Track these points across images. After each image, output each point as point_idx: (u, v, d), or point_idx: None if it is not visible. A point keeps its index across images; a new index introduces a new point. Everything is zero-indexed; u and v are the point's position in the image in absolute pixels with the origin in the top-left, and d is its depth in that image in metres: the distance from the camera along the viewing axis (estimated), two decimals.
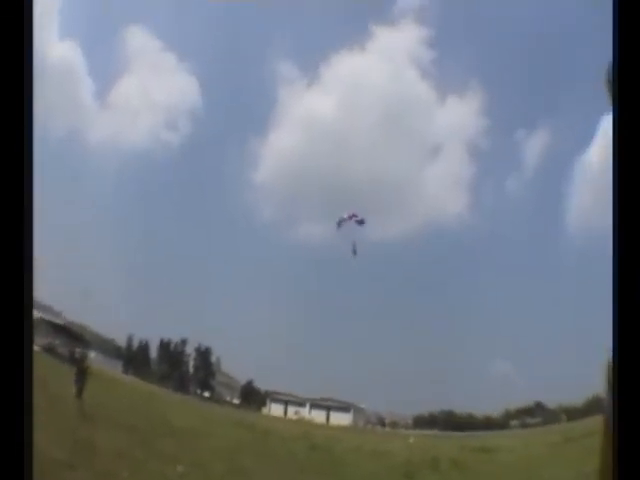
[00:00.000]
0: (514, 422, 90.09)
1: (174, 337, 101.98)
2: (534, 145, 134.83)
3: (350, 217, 28.37)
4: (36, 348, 37.88)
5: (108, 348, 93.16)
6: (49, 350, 36.08)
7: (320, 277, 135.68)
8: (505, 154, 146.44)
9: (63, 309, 77.31)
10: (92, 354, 61.36)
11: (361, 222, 28.91)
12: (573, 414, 74.32)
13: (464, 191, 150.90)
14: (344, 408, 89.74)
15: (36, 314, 52.53)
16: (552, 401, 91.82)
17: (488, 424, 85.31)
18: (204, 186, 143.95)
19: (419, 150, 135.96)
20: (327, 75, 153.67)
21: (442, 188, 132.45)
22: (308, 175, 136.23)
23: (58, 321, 60.13)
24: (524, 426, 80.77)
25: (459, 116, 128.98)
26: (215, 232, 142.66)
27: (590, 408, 65.45)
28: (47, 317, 56.40)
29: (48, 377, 18.52)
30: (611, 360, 0.99)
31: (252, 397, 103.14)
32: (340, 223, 28.44)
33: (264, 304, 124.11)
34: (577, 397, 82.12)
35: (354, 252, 29.13)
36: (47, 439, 9.82)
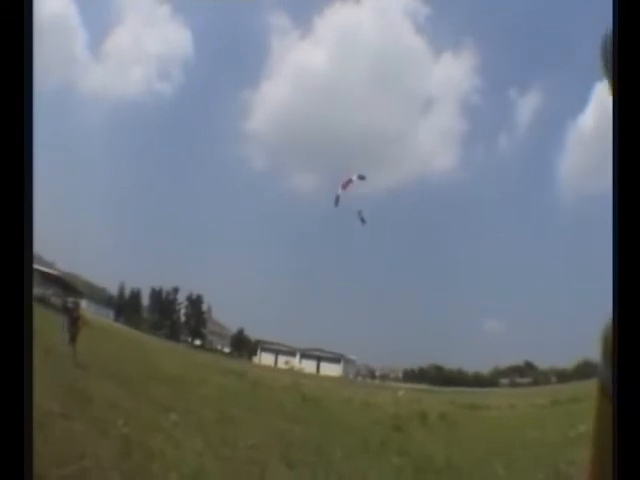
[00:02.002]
0: (504, 380, 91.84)
1: (166, 285, 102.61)
2: (527, 105, 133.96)
3: (345, 185, 27.40)
4: None
5: (100, 297, 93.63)
6: (42, 301, 36.22)
7: (311, 227, 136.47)
8: (498, 112, 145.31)
9: (55, 259, 77.41)
10: (84, 303, 61.85)
11: (362, 177, 28.17)
12: (563, 377, 75.97)
13: (455, 147, 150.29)
14: (334, 359, 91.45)
15: None
16: (542, 362, 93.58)
17: (478, 381, 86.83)
18: (196, 136, 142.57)
19: (411, 105, 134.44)
20: (320, 27, 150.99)
21: (434, 143, 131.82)
22: (300, 126, 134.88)
23: (51, 271, 60.15)
24: (514, 385, 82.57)
25: (452, 73, 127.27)
26: (207, 181, 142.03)
27: (580, 372, 66.96)
28: (39, 267, 56.37)
29: (42, 328, 18.73)
30: (610, 324, 0.96)
31: (243, 346, 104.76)
32: (338, 200, 27.25)
33: (256, 253, 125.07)
34: (568, 360, 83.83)
35: (362, 221, 28.46)
36: (43, 391, 10.12)
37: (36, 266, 55.68)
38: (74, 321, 18.85)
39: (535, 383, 78.27)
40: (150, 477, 7.54)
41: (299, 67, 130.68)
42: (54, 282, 52.15)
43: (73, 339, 18.02)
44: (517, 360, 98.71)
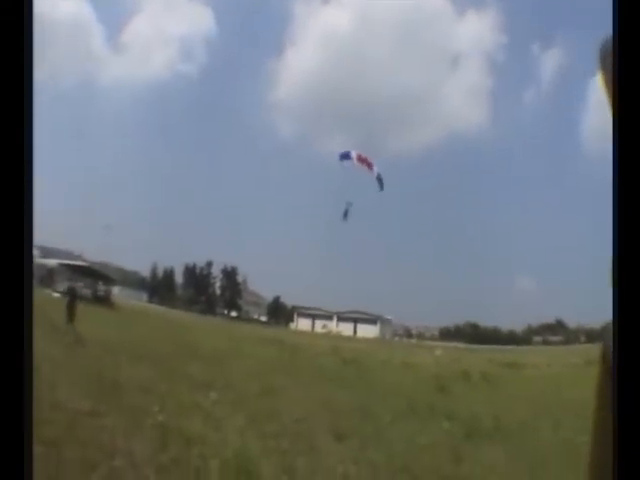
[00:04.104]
0: (537, 338, 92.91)
1: (199, 261, 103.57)
2: (550, 60, 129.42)
3: (361, 160, 24.92)
4: (58, 295, 38.29)
5: (132, 281, 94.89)
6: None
7: (343, 191, 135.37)
8: (522, 68, 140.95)
9: (84, 250, 78.36)
10: (116, 289, 62.49)
11: (380, 182, 25.47)
12: (591, 336, 77.14)
13: (483, 103, 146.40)
14: (371, 320, 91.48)
15: (54, 262, 53.00)
16: (571, 320, 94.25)
17: (512, 338, 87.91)
18: (224, 110, 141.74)
19: (438, 64, 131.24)
20: None
21: (462, 100, 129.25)
22: (328, 90, 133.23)
23: (79, 263, 60.49)
24: (546, 343, 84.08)
25: (477, 31, 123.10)
26: (236, 154, 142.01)
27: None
28: (67, 261, 56.70)
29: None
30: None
31: (279, 313, 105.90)
32: (344, 156, 24.94)
33: (287, 220, 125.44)
34: (596, 319, 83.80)
35: (345, 216, 25.25)
36: (73, 387, 9.69)
37: (65, 261, 56.31)
38: (72, 301, 19.39)
39: (566, 342, 79.22)
40: (189, 466, 6.98)
41: (324, 32, 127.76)
42: (84, 273, 52.29)
43: (71, 319, 18.52)
44: (548, 318, 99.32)
